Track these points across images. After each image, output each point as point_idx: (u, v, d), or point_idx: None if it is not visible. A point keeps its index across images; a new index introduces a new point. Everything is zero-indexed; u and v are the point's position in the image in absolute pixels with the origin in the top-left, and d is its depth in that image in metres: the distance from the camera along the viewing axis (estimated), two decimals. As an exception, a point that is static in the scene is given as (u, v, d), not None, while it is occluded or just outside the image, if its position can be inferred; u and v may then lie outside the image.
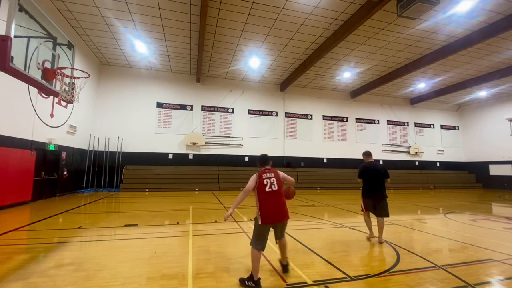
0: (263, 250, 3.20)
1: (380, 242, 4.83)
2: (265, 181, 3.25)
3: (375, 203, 5.06)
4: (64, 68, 5.24)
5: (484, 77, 15.22)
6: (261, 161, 3.52)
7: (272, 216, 3.19)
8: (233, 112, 16.75)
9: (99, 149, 14.06)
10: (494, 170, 19.55)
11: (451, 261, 4.02)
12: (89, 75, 6.38)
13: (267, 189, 3.22)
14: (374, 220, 5.12)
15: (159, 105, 15.54)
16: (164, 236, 5.27)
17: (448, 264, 3.86)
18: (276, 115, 17.60)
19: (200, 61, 13.10)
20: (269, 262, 3.79)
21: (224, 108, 16.61)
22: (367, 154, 5.45)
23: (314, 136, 18.20)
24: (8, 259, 3.81)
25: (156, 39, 11.88)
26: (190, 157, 15.71)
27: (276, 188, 3.26)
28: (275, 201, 3.24)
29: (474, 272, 3.57)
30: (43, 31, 4.82)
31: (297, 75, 14.99)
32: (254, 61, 13.83)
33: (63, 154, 11.23)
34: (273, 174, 3.33)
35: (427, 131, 21.07)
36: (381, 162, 18.90)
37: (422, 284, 3.20)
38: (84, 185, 13.29)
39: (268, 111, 17.47)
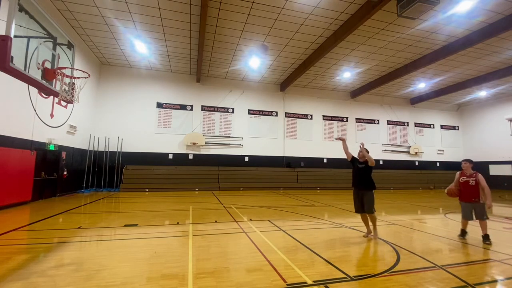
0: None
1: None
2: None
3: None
4: (64, 68, 5.24)
5: (484, 77, 15.21)
6: None
7: None
8: (233, 112, 16.75)
9: (99, 149, 14.06)
10: (494, 170, 19.52)
11: (451, 261, 4.02)
12: (89, 75, 6.37)
13: None
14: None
15: (159, 105, 15.54)
16: (164, 236, 5.27)
17: (448, 264, 3.86)
18: (276, 115, 17.59)
19: (200, 61, 13.10)
20: (269, 262, 3.79)
21: (224, 108, 16.61)
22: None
23: (314, 136, 18.20)
24: (8, 259, 3.81)
25: (156, 39, 11.89)
26: (190, 157, 15.71)
27: None
28: None
29: (474, 272, 3.57)
30: (43, 31, 4.81)
31: (297, 75, 14.98)
32: (254, 61, 13.82)
33: (63, 154, 11.23)
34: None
35: (427, 131, 21.07)
36: (381, 162, 18.99)
37: (422, 284, 3.20)
38: (84, 185, 13.28)
39: (268, 111, 17.47)
